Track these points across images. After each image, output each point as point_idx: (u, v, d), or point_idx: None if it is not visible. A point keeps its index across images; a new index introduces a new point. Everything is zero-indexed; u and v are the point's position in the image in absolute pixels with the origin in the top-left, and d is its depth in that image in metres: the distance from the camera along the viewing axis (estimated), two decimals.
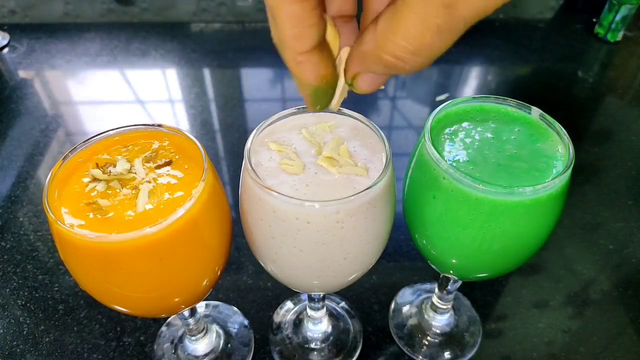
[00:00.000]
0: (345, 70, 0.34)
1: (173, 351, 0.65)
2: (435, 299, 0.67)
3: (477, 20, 0.25)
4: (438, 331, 0.68)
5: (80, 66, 1.22)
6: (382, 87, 0.34)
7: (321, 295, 0.62)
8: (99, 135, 0.47)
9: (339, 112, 0.49)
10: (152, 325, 0.68)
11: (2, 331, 0.67)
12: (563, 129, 0.46)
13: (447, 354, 0.66)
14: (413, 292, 0.73)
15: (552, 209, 0.44)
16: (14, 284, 0.73)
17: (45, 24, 1.38)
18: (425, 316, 0.69)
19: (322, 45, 0.31)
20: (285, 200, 0.39)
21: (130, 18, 1.40)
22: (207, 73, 1.21)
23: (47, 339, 0.66)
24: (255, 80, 1.20)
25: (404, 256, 0.78)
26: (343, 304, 0.72)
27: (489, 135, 0.48)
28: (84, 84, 1.17)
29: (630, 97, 1.15)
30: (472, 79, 1.25)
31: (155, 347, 0.66)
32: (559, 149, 0.46)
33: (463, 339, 0.67)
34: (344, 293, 0.72)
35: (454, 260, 0.50)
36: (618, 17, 1.26)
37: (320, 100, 0.34)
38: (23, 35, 1.32)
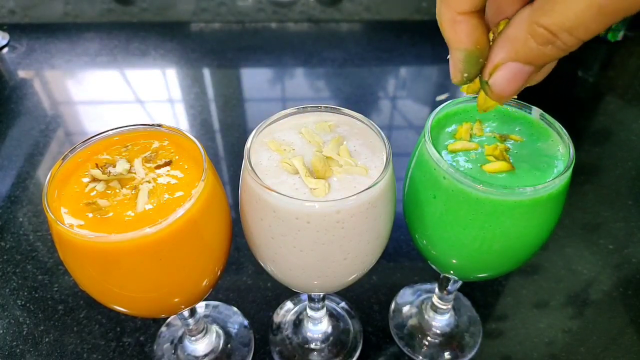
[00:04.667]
0: (486, 64, 0.33)
1: (173, 351, 0.65)
2: (435, 299, 0.67)
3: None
4: (438, 331, 0.68)
5: (80, 66, 1.22)
6: (515, 96, 0.33)
7: (321, 296, 0.62)
8: (98, 135, 0.47)
9: (338, 112, 0.49)
10: (152, 325, 0.68)
11: (2, 331, 0.67)
12: (563, 129, 0.46)
13: (447, 354, 0.65)
14: (413, 292, 0.73)
15: (552, 209, 0.44)
16: (14, 284, 0.73)
17: (45, 24, 1.37)
18: (426, 316, 0.69)
19: (480, 13, 0.32)
20: (285, 200, 0.39)
21: (129, 18, 1.40)
22: (206, 73, 1.21)
23: (47, 339, 0.66)
24: (255, 80, 1.20)
25: (404, 256, 0.78)
26: (343, 304, 0.72)
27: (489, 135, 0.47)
28: (83, 84, 1.17)
29: (630, 97, 1.15)
30: None
31: (155, 347, 0.66)
32: (559, 149, 0.46)
33: (463, 339, 0.67)
34: (344, 293, 0.72)
35: (454, 261, 0.50)
36: None
37: (470, 69, 0.34)
38: (23, 35, 1.32)
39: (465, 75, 0.34)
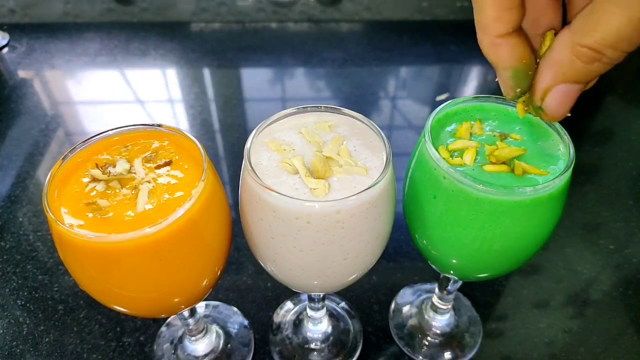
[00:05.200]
0: (535, 90, 0.34)
1: (173, 351, 0.65)
2: (435, 299, 0.67)
3: None
4: (438, 331, 0.68)
5: (79, 66, 1.22)
6: (569, 114, 0.34)
7: (321, 296, 0.62)
8: (98, 135, 0.47)
9: (338, 112, 0.49)
10: (152, 325, 0.68)
11: (2, 331, 0.67)
12: (563, 129, 0.46)
13: (447, 354, 0.65)
14: (413, 292, 0.73)
15: (552, 209, 0.44)
16: (14, 284, 0.73)
17: (45, 24, 1.37)
18: (426, 316, 0.69)
19: (519, 32, 0.33)
20: (285, 200, 0.39)
21: (129, 18, 1.40)
22: (206, 73, 1.21)
23: (47, 339, 0.66)
24: (255, 80, 1.20)
25: (404, 256, 0.78)
26: (343, 304, 0.72)
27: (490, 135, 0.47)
28: (83, 84, 1.17)
29: (631, 97, 1.15)
30: (472, 79, 1.25)
31: (155, 347, 0.66)
32: (559, 149, 0.46)
33: (463, 339, 0.67)
34: (344, 293, 0.72)
35: (454, 261, 0.49)
36: None
37: (520, 83, 0.35)
38: (23, 35, 1.32)
39: (518, 90, 0.36)
